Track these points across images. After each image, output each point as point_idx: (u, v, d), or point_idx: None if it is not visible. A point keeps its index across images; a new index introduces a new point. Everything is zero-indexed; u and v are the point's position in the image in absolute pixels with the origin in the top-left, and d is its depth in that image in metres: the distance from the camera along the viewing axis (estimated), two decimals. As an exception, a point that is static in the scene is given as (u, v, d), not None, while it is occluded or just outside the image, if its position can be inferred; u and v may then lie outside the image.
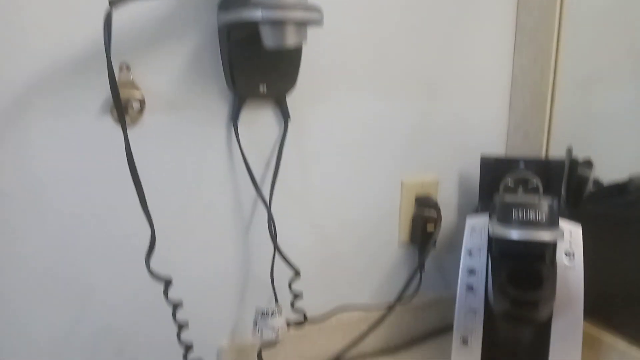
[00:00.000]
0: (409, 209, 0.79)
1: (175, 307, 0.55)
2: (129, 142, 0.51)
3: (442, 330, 0.87)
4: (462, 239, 0.74)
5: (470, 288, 0.69)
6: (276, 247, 0.66)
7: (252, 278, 0.69)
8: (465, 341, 0.69)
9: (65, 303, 0.59)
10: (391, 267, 0.80)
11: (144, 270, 0.61)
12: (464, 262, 0.69)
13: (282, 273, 0.71)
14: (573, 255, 0.66)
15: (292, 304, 0.69)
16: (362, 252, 0.77)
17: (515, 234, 0.60)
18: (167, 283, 0.54)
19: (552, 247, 0.64)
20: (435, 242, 0.79)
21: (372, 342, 0.80)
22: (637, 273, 0.71)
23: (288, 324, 0.68)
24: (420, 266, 0.80)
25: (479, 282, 0.68)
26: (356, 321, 0.78)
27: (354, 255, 0.77)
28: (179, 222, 0.64)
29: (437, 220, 0.78)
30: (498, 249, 0.66)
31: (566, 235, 0.67)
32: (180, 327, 0.57)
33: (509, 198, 0.65)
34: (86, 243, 0.59)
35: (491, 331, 0.68)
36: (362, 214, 0.76)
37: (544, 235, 0.59)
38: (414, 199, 0.79)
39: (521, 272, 0.62)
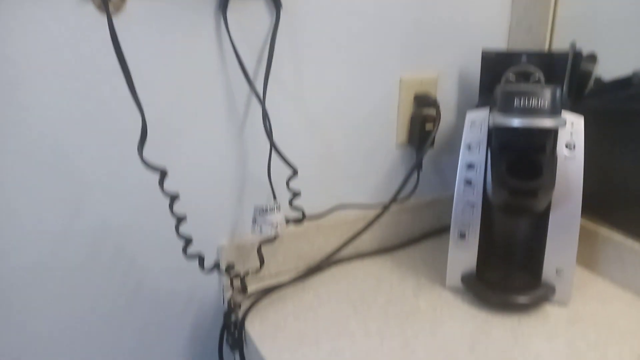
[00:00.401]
0: (408, 108, 0.77)
1: (173, 199, 0.55)
2: (113, 27, 0.49)
3: (439, 230, 0.88)
4: (461, 138, 0.73)
5: (468, 183, 0.68)
6: (272, 144, 0.65)
7: (249, 176, 0.69)
8: (462, 235, 0.69)
9: (59, 201, 0.59)
10: (389, 168, 0.80)
11: (138, 166, 0.61)
12: (462, 157, 0.68)
13: (280, 172, 0.70)
14: (574, 146, 0.65)
15: (291, 202, 0.69)
16: (358, 151, 0.76)
17: (516, 121, 0.58)
18: (163, 174, 0.53)
19: (553, 136, 0.63)
20: (433, 141, 0.78)
21: (368, 242, 0.81)
22: (638, 168, 0.71)
23: (287, 221, 0.68)
24: (418, 166, 0.79)
25: (478, 176, 0.67)
26: (353, 220, 0.78)
27: (350, 155, 0.76)
28: (170, 117, 0.62)
29: (436, 119, 0.76)
30: (498, 140, 0.65)
31: (567, 126, 0.65)
32: (179, 220, 0.57)
33: (511, 87, 0.63)
34: (77, 139, 0.57)
35: (488, 226, 0.69)
36: (359, 112, 0.75)
37: (546, 122, 0.58)
38: (412, 97, 0.77)
39: (521, 162, 0.61)
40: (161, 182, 0.52)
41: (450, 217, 0.88)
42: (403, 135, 0.79)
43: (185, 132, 0.63)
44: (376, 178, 0.79)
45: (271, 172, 0.69)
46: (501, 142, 0.64)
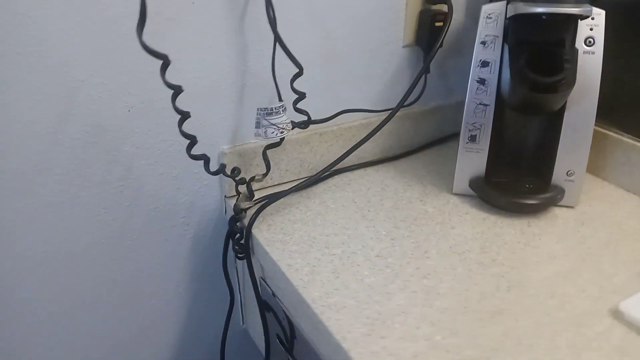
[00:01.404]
0: (417, 3, 0.72)
1: (177, 92, 0.50)
2: None
3: (441, 139, 0.86)
4: (469, 39, 0.69)
5: (482, 82, 0.65)
6: (277, 36, 0.60)
7: (250, 75, 0.64)
8: (473, 138, 0.67)
9: (50, 97, 0.54)
10: (394, 70, 0.76)
11: (132, 60, 0.56)
12: (476, 54, 0.64)
13: (282, 71, 0.66)
14: (593, 41, 0.62)
15: (295, 105, 0.65)
16: (363, 51, 0.72)
17: (540, 8, 0.54)
18: (165, 62, 0.47)
19: (573, 28, 0.60)
20: (443, 40, 0.73)
21: (370, 150, 0.78)
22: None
23: (293, 124, 0.64)
24: (426, 69, 0.75)
25: (492, 75, 0.64)
26: (357, 126, 0.75)
27: (355, 55, 0.71)
28: (163, 3, 0.56)
29: (447, 15, 0.71)
30: (517, 33, 0.61)
31: (588, 20, 0.62)
32: (183, 116, 0.52)
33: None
34: (63, 26, 0.52)
35: (500, 128, 0.67)
36: (366, 5, 0.69)
37: (572, 9, 0.54)
38: (422, -8, 0.72)
39: (541, 56, 0.58)
40: (163, 70, 0.47)
41: (453, 125, 0.86)
42: (411, 34, 0.74)
43: (180, 22, 0.57)
44: (381, 81, 0.75)
45: (275, 70, 0.64)
46: (521, 34, 0.61)
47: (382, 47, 0.73)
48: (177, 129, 0.54)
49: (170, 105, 0.59)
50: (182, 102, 0.61)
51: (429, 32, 0.73)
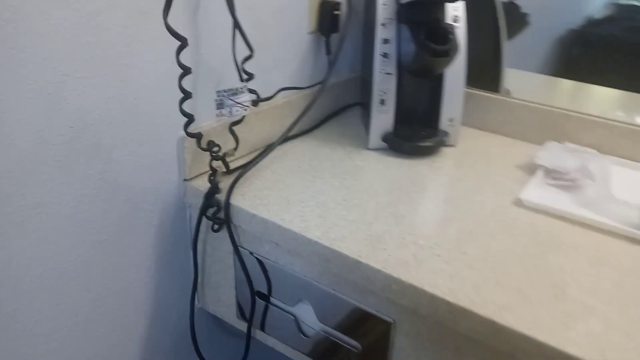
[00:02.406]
0: (317, -2, 0.86)
1: (185, 73, 0.55)
2: None
3: (344, 108, 1.02)
4: (361, 24, 0.85)
5: (385, 55, 0.82)
6: (236, 20, 0.67)
7: (202, 61, 0.70)
8: (382, 102, 0.84)
9: (38, 94, 0.54)
10: (304, 54, 0.88)
11: (112, 53, 0.59)
12: (378, 33, 0.81)
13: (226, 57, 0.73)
14: (458, 18, 0.83)
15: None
16: (284, 39, 0.83)
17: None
18: (182, 45, 0.52)
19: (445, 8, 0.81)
20: (339, 27, 0.89)
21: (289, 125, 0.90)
22: (484, 44, 0.93)
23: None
24: (328, 51, 0.90)
25: (392, 49, 0.82)
26: (282, 105, 0.86)
27: (277, 43, 0.82)
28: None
29: (342, 6, 0.87)
30: (409, 16, 0.79)
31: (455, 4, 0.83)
32: (185, 94, 0.57)
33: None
34: (51, 18, 0.53)
35: (402, 91, 0.85)
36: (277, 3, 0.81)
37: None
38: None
39: (433, 31, 0.77)
40: (179, 52, 0.52)
41: (349, 97, 1.02)
42: (314, 22, 0.87)
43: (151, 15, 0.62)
44: (294, 64, 0.87)
45: (233, 53, 0.71)
46: (411, 15, 0.79)
47: (295, 34, 0.85)
48: (151, 120, 0.58)
49: (144, 95, 0.63)
50: (141, 98, 0.65)
51: (330, 20, 0.88)
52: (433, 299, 0.55)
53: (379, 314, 0.62)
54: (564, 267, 0.59)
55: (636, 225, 0.66)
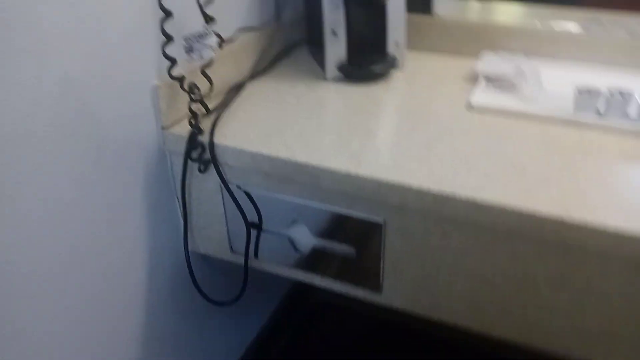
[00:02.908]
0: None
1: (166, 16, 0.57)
2: None
3: (294, 45, 1.06)
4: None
5: (332, -12, 0.87)
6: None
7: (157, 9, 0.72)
8: (334, 33, 0.89)
9: (28, 55, 0.54)
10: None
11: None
12: (323, -32, 0.86)
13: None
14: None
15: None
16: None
17: None
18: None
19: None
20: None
21: (248, 66, 0.93)
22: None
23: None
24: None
25: (337, -19, 0.87)
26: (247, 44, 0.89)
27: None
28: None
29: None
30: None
31: None
32: (167, 38, 0.59)
33: None
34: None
35: (350, 21, 0.90)
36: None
37: None
38: None
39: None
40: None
41: (298, 35, 1.06)
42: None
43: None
44: (245, 7, 0.90)
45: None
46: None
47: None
48: (126, 71, 0.60)
49: (116, 48, 0.65)
50: (112, 40, 0.66)
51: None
52: (419, 192, 0.63)
53: (370, 217, 0.70)
54: (518, 152, 0.69)
55: (568, 111, 0.77)
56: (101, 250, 0.72)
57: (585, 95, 0.76)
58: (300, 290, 1.46)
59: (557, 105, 0.79)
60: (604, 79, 0.81)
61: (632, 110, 0.75)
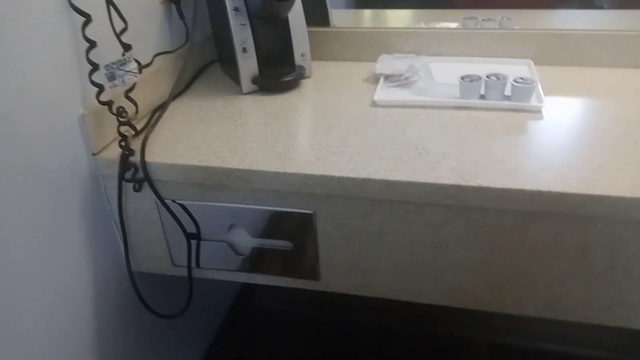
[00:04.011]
0: (163, -34, 0.94)
1: (91, 47, 0.61)
2: None
3: (206, 65, 1.12)
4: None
5: (236, 9, 0.94)
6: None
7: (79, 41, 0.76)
8: (244, 50, 0.96)
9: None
10: (157, 22, 0.96)
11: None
12: (227, -9, 0.93)
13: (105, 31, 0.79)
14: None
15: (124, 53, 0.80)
16: (137, 10, 0.90)
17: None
18: (87, 20, 0.58)
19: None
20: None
21: (166, 89, 0.98)
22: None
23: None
24: (182, 16, 0.99)
25: (241, 3, 0.94)
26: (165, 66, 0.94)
27: (131, 12, 0.89)
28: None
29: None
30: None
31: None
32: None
33: None
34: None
35: (258, 37, 0.98)
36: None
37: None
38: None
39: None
40: (84, 27, 0.59)
41: (209, 55, 1.12)
42: (163, -8, 0.95)
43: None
44: (158, 32, 0.95)
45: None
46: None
47: (149, 5, 0.92)
48: (56, 99, 0.64)
49: (49, 77, 0.68)
50: (37, 75, 0.69)
51: (177, -13, 0.96)
52: (341, 180, 0.72)
53: (300, 210, 0.77)
54: (420, 135, 0.80)
55: (456, 97, 0.90)
56: (43, 279, 0.73)
57: (468, 82, 0.88)
58: (247, 297, 1.50)
59: (446, 93, 0.92)
60: (483, 67, 0.95)
61: (507, 91, 0.88)
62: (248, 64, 0.98)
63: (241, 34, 0.96)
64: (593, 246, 0.69)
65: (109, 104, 0.70)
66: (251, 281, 0.88)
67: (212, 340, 1.28)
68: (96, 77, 0.73)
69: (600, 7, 1.06)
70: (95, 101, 0.77)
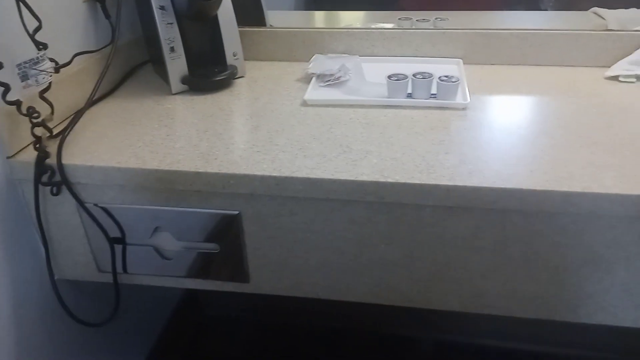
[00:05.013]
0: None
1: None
2: None
3: (138, 65, 1.10)
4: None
5: (162, 7, 0.92)
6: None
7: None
8: (172, 49, 0.94)
9: None
10: (82, 21, 0.93)
11: None
12: (153, -10, 0.91)
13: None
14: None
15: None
16: (58, 9, 0.87)
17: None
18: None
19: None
20: (111, -10, 0.95)
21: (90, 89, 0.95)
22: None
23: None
24: (108, 16, 0.96)
25: (167, 1, 0.92)
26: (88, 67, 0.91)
27: (55, 13, 0.86)
28: None
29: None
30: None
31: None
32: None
33: None
34: None
35: (187, 37, 0.96)
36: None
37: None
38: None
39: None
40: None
41: (141, 55, 1.10)
42: (87, -11, 0.93)
43: None
44: (81, 31, 0.92)
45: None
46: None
47: (72, 4, 0.89)
48: None
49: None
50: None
51: (101, -15, 0.93)
52: (263, 179, 0.71)
53: (225, 211, 0.76)
54: (346, 134, 0.80)
55: (384, 96, 0.90)
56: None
57: (395, 81, 0.89)
58: (190, 303, 1.47)
59: (376, 92, 0.92)
60: (414, 67, 0.96)
61: (434, 89, 0.89)
62: (177, 64, 0.96)
63: (168, 33, 0.94)
64: (510, 240, 0.70)
65: (16, 103, 0.67)
66: (180, 286, 0.86)
67: (151, 348, 1.24)
68: (4, 75, 0.70)
69: (546, 10, 1.10)
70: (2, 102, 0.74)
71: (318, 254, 0.77)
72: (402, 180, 0.67)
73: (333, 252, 0.77)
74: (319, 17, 1.18)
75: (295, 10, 1.20)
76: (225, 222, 0.77)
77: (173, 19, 0.93)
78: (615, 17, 1.06)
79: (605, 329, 1.36)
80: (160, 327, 1.32)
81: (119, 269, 0.85)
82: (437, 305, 0.78)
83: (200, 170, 0.72)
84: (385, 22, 1.13)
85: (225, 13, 0.98)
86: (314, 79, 0.98)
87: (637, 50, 0.98)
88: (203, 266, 0.83)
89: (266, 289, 0.83)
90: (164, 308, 1.35)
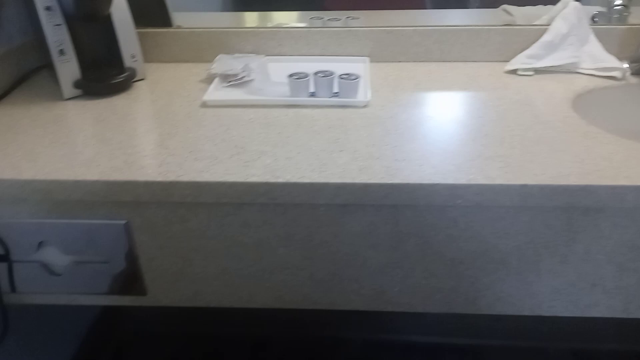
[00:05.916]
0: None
1: None
2: None
3: (35, 70, 1.03)
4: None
5: (49, 8, 0.86)
6: None
7: None
8: (62, 52, 0.89)
9: None
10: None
11: None
12: (35, -11, 0.85)
13: None
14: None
15: None
16: None
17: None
18: None
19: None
20: None
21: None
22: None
23: None
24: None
25: (53, 1, 0.86)
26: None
27: None
28: None
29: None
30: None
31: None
32: None
33: None
34: None
35: (78, 39, 0.90)
36: None
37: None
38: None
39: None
40: None
41: (38, 60, 1.03)
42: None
43: None
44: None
45: None
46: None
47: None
48: None
49: None
50: None
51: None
52: (147, 185, 0.67)
53: (112, 221, 0.71)
54: (243, 134, 0.77)
55: (287, 95, 0.88)
56: None
57: (296, 80, 0.87)
58: (110, 319, 1.40)
59: (278, 92, 0.90)
60: (321, 66, 0.93)
61: (335, 88, 0.88)
62: (67, 67, 0.90)
63: (56, 35, 0.88)
64: (405, 235, 0.70)
65: None
66: (74, 303, 0.80)
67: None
68: None
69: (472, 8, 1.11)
70: None
71: (216, 261, 0.74)
72: (293, 180, 0.65)
73: (231, 258, 0.74)
74: (250, 18, 1.15)
75: (223, 11, 1.16)
76: (113, 232, 0.72)
77: (61, 20, 0.88)
78: (522, 13, 1.09)
79: (518, 318, 1.39)
80: (75, 347, 1.24)
81: (6, 288, 0.79)
82: (341, 305, 0.77)
83: (79, 179, 0.67)
84: (292, 19, 1.11)
85: (120, 13, 0.93)
86: (216, 80, 0.95)
87: (535, 44, 1.01)
88: (96, 281, 0.78)
89: (165, 302, 0.79)
90: (79, 326, 1.28)
